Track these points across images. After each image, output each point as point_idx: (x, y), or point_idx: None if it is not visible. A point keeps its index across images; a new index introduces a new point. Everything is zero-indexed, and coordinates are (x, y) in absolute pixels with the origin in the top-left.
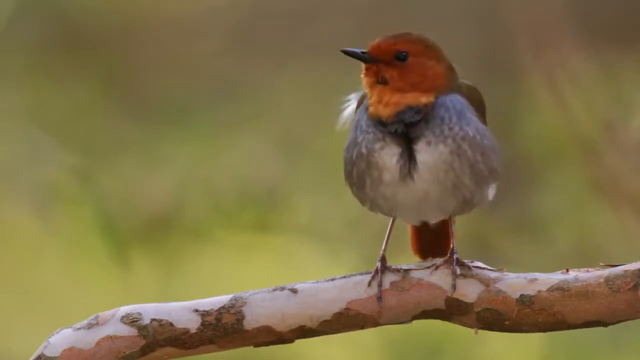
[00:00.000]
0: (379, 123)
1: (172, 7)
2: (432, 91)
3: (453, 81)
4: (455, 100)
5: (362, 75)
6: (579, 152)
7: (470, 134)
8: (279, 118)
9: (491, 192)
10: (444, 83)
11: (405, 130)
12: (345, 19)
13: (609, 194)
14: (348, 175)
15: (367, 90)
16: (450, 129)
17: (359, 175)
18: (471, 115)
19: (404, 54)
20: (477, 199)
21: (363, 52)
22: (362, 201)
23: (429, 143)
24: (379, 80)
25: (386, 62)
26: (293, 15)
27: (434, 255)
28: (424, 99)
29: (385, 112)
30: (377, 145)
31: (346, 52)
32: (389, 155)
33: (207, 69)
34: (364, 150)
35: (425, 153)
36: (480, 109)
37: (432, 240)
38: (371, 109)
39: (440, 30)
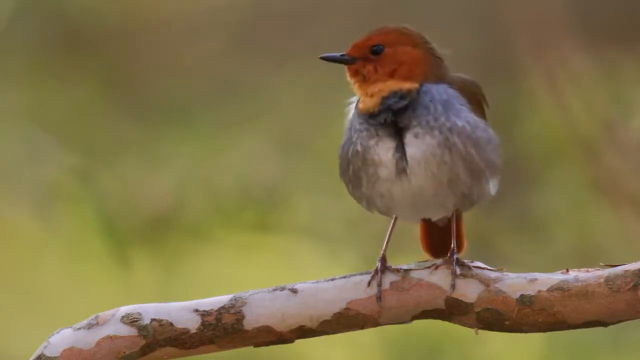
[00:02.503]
0: (370, 117)
1: (172, 8)
2: (415, 77)
3: (439, 69)
4: (442, 90)
5: (348, 79)
6: (579, 152)
7: (459, 124)
8: (279, 118)
9: (492, 187)
10: (427, 70)
11: (394, 120)
12: (345, 19)
13: (609, 194)
14: (344, 173)
15: (355, 91)
16: (436, 119)
17: (354, 173)
18: (460, 105)
19: (379, 47)
20: (476, 194)
21: (342, 55)
22: (359, 199)
23: (416, 135)
24: (361, 79)
25: (363, 58)
26: (293, 15)
27: (446, 253)
28: (407, 85)
29: (371, 103)
30: (372, 142)
31: (324, 58)
32: (384, 150)
33: (207, 69)
34: (359, 148)
35: (413, 146)
36: (476, 102)
37: (443, 238)
38: (360, 105)
39: (440, 30)
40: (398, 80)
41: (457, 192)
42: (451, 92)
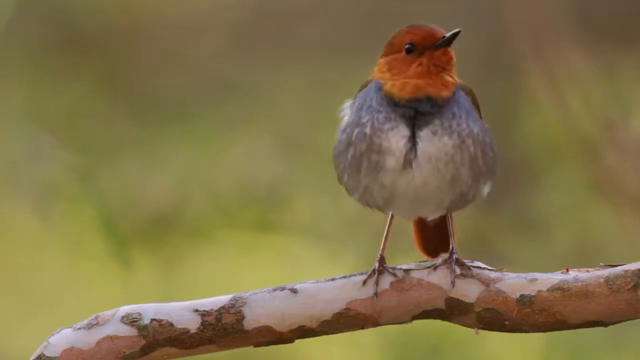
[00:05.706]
0: (392, 103)
1: (172, 7)
2: (454, 80)
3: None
4: (464, 99)
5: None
6: (579, 152)
7: (475, 131)
8: (279, 118)
9: (486, 188)
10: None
11: (413, 116)
12: (345, 19)
13: (609, 193)
14: (339, 156)
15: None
16: (459, 124)
17: (355, 158)
18: (476, 114)
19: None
20: (472, 194)
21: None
22: (352, 190)
23: (434, 133)
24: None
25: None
26: (293, 15)
27: (439, 252)
28: (445, 92)
29: (400, 94)
30: (387, 126)
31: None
32: (397, 138)
33: (207, 69)
34: (368, 131)
35: (429, 142)
36: (477, 107)
37: (438, 237)
38: (388, 88)
39: None
40: (443, 81)
41: (456, 190)
42: (469, 101)
